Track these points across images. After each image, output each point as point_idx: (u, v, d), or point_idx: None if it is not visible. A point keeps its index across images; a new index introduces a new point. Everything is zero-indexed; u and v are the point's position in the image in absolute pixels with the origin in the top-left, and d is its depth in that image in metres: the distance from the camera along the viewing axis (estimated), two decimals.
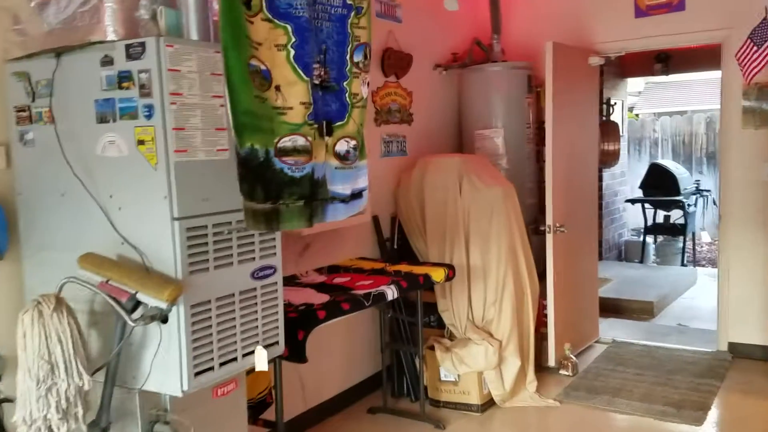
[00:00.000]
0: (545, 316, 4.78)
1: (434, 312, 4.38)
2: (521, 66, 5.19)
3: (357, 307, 3.12)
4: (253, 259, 2.50)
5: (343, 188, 2.52)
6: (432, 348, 4.22)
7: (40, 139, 2.50)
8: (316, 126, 2.34)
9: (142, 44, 2.20)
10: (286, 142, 2.23)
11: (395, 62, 4.63)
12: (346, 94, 2.47)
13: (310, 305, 3.04)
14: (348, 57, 2.48)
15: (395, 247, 4.58)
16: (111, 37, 2.26)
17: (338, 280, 3.55)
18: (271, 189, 2.22)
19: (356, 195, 2.61)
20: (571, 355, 4.79)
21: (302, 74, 2.25)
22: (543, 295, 4.70)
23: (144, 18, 2.33)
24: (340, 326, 4.16)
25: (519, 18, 5.52)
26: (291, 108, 2.24)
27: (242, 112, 2.12)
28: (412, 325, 4.09)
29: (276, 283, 2.61)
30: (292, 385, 3.75)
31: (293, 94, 2.24)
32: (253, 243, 2.49)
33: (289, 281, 3.55)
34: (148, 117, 2.22)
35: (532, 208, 5.25)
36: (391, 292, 3.32)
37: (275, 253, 2.60)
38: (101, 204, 2.36)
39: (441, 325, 4.41)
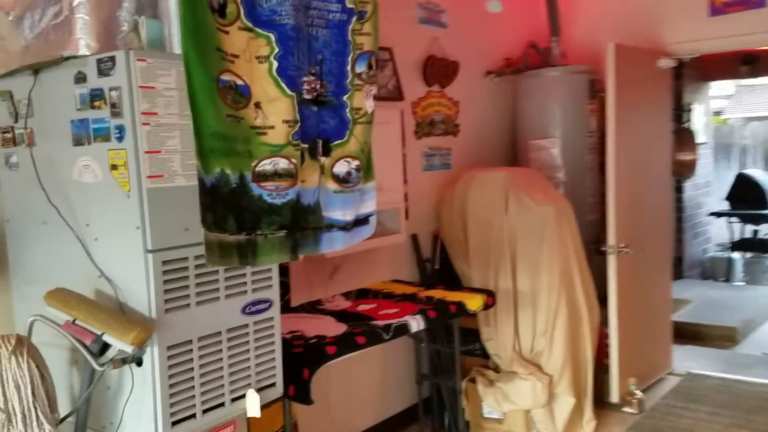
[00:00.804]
0: (607, 346, 4.34)
1: (479, 338, 4.03)
2: (582, 70, 4.77)
3: (374, 341, 2.83)
4: (245, 292, 2.25)
5: (344, 214, 2.24)
6: (474, 381, 3.87)
7: (23, 162, 2.34)
8: (304, 146, 2.07)
9: (112, 58, 1.99)
10: (266, 165, 1.97)
11: (439, 70, 4.32)
12: (347, 110, 2.20)
13: (323, 338, 2.77)
14: (349, 68, 2.20)
15: (436, 268, 4.26)
16: (83, 51, 2.06)
17: (362, 307, 3.27)
18: (246, 218, 1.96)
19: (361, 221, 2.33)
20: (637, 391, 4.33)
21: (286, 88, 1.99)
22: (605, 322, 4.27)
23: (123, 30, 2.13)
24: (376, 353, 3.88)
25: (580, 18, 5.09)
26: (272, 127, 1.97)
27: (209, 135, 1.87)
28: (451, 355, 3.75)
29: (272, 318, 2.35)
30: (319, 416, 3.49)
31: (275, 111, 1.98)
32: (244, 275, 2.24)
33: (312, 307, 3.29)
34: (120, 139, 2.01)
35: (594, 225, 4.80)
36: (415, 324, 3.01)
37: (271, 285, 2.34)
38: (78, 234, 2.17)
39: (487, 353, 4.05)
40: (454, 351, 3.61)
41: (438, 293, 3.48)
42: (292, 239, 2.07)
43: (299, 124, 2.03)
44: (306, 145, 2.08)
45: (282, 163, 1.99)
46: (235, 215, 1.94)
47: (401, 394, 4.09)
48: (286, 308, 3.34)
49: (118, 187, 2.04)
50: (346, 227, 2.25)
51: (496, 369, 3.98)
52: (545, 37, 4.92)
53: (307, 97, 2.09)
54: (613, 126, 4.24)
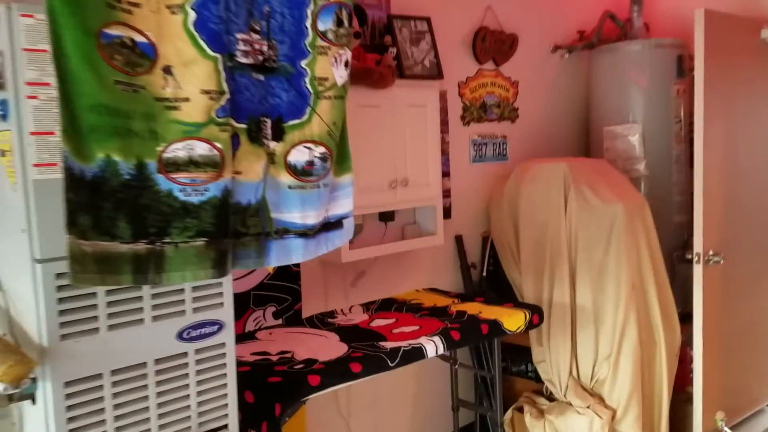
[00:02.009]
0: (691, 371, 3.60)
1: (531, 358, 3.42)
2: (669, 44, 4.01)
3: (373, 369, 2.30)
4: (182, 313, 1.78)
5: (304, 216, 1.73)
6: (521, 410, 3.27)
7: None
8: (239, 126, 1.57)
9: None
10: (178, 150, 1.48)
11: (493, 45, 3.71)
12: (306, 79, 1.68)
13: (312, 363, 2.27)
14: (308, 24, 1.68)
15: (484, 275, 3.67)
16: None
17: (378, 323, 2.74)
18: (148, 221, 1.48)
19: (331, 225, 1.81)
20: (726, 428, 3.57)
21: (206, 47, 1.49)
22: (690, 343, 3.54)
23: None
24: (408, 372, 3.35)
25: None
26: (186, 99, 1.48)
27: (87, 108, 1.40)
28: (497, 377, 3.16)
29: (223, 344, 1.87)
30: None
31: (191, 78, 1.48)
32: (181, 291, 1.77)
33: (321, 320, 2.80)
34: (4, 117, 1.58)
35: (682, 228, 4.05)
36: (432, 347, 2.45)
37: (222, 304, 1.86)
38: None
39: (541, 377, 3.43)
40: (495, 376, 3.01)
41: (473, 308, 2.90)
42: (215, 250, 1.57)
43: (227, 96, 1.53)
44: (243, 125, 1.58)
45: (200, 148, 1.49)
46: (130, 217, 1.46)
47: (436, 421, 3.53)
48: (293, 320, 2.87)
49: (6, 178, 1.61)
50: (307, 233, 1.74)
51: (550, 397, 3.36)
52: (625, 6, 4.19)
53: (246, 60, 1.58)
54: (701, 109, 3.47)
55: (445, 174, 3.54)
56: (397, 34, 3.12)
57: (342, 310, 2.95)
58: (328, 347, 2.44)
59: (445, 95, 3.52)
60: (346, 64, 1.73)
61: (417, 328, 2.64)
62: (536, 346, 3.36)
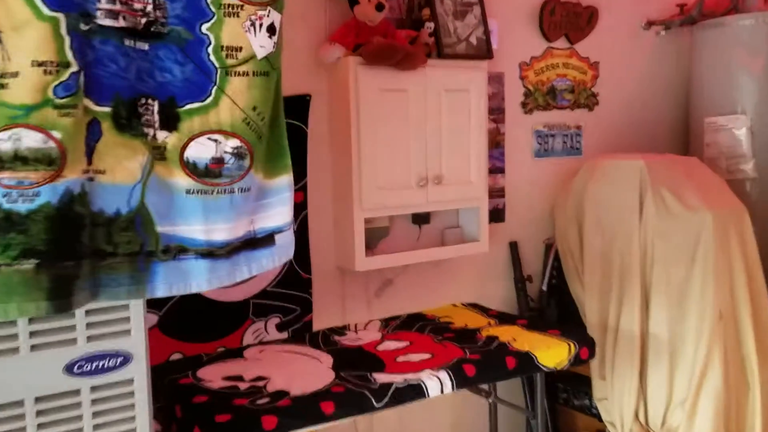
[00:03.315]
0: None
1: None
2: None
3: (350, 410, 1.89)
4: (72, 342, 1.45)
5: (207, 231, 1.34)
6: None
7: None
8: (99, 110, 1.20)
9: None
10: (2, 142, 1.13)
11: (565, 19, 3.16)
12: (209, 49, 1.29)
13: (283, 395, 1.89)
14: None
15: (544, 289, 3.14)
16: None
17: (386, 345, 2.32)
18: None
19: (258, 242, 1.41)
20: None
21: (42, 5, 1.13)
22: None
23: None
24: (446, 401, 2.91)
25: None
26: (15, 74, 1.13)
27: None
28: (544, 414, 2.66)
29: (130, 380, 1.52)
30: None
31: (22, 45, 1.13)
32: (71, 315, 1.44)
33: (327, 337, 2.42)
34: None
35: None
36: (435, 385, 2.01)
37: (129, 331, 1.51)
38: None
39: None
40: (537, 419, 2.51)
41: (509, 333, 2.41)
42: (51, 275, 1.19)
43: (74, 69, 1.16)
44: (105, 109, 1.21)
45: (29, 139, 1.14)
46: None
47: None
48: (301, 334, 2.52)
49: None
50: (215, 252, 1.35)
51: None
52: None
53: (112, 23, 1.20)
54: None
55: (499, 170, 3.05)
56: (437, 6, 2.66)
57: (356, 326, 2.55)
58: (313, 375, 2.05)
59: (501, 78, 3.02)
60: (272, 30, 1.32)
61: (428, 356, 2.19)
62: (597, 380, 2.81)
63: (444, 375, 2.05)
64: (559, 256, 3.10)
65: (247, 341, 2.48)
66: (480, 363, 2.14)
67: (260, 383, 2.00)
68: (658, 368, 2.66)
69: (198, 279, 1.35)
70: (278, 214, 1.43)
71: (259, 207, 1.40)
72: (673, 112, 3.59)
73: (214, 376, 2.06)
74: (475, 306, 2.80)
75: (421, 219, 2.79)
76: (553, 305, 3.14)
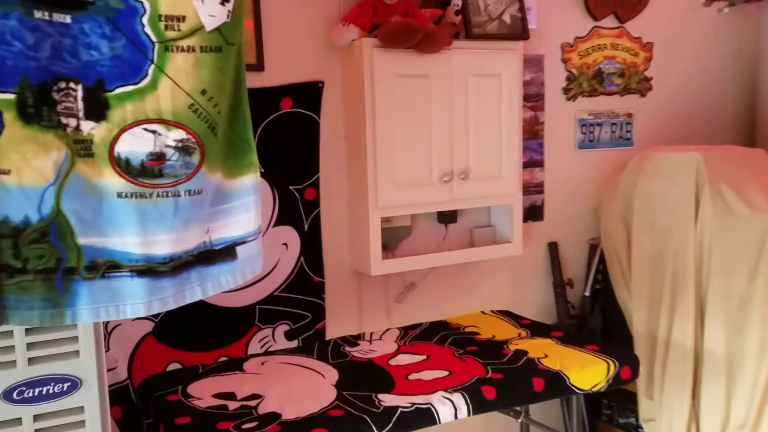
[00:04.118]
0: None
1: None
2: None
3: None
4: (11, 364, 1.27)
5: (146, 243, 1.12)
6: None
7: None
8: None
9: None
10: None
11: None
12: (142, 19, 1.07)
13: (272, 420, 1.69)
14: None
15: (587, 294, 2.85)
16: None
17: (399, 359, 2.08)
18: None
19: (216, 255, 1.20)
20: None
21: None
22: None
23: None
24: (476, 422, 2.66)
25: None
26: None
27: None
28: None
29: (81, 408, 1.34)
30: None
31: None
32: (9, 333, 1.26)
33: (338, 348, 2.20)
34: None
35: None
36: (448, 410, 1.77)
37: (77, 353, 1.32)
38: None
39: None
40: None
41: (540, 347, 2.15)
42: None
43: None
44: (8, 96, 1.01)
45: None
46: None
47: None
48: (311, 342, 2.31)
49: None
50: (156, 269, 1.13)
51: None
52: None
53: None
54: None
55: (537, 163, 2.77)
56: None
57: (371, 336, 2.32)
58: (312, 394, 1.84)
59: (540, 61, 2.73)
60: None
61: (444, 374, 1.95)
62: (644, 399, 2.51)
63: (459, 398, 1.80)
64: (605, 259, 2.81)
65: (252, 350, 2.29)
66: (502, 384, 1.89)
67: (252, 402, 1.79)
68: (714, 389, 2.35)
69: (134, 301, 1.14)
70: (241, 222, 1.21)
71: (216, 213, 1.18)
72: (737, 98, 3.22)
73: (205, 392, 1.87)
74: (506, 314, 2.53)
75: (447, 218, 2.54)
76: (597, 313, 2.85)
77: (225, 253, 1.20)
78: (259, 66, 2.20)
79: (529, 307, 2.76)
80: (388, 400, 1.79)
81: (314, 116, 2.31)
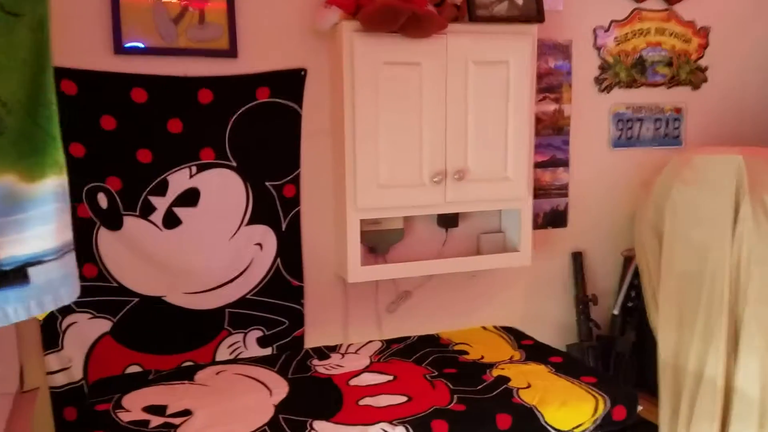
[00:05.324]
0: None
1: None
2: None
3: None
4: None
5: None
6: None
7: None
8: None
9: None
10: None
11: None
12: None
13: None
14: None
15: (615, 313, 2.51)
16: None
17: (360, 379, 1.87)
18: None
19: (2, 277, 1.00)
20: None
21: None
22: None
23: None
24: None
25: None
26: None
27: None
28: None
29: None
30: None
31: None
32: None
33: (302, 361, 2.01)
34: None
35: None
36: None
37: None
38: None
39: None
40: None
41: (530, 374, 1.88)
42: None
43: None
44: None
45: None
46: None
47: None
48: (285, 350, 2.15)
49: None
50: None
51: None
52: None
53: None
54: None
55: (561, 162, 2.47)
56: None
57: (348, 348, 2.12)
58: (247, 415, 1.66)
59: (568, 48, 2.43)
60: None
61: (402, 400, 1.73)
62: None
63: None
64: (639, 274, 2.47)
65: (221, 356, 2.15)
66: (460, 418, 1.64)
67: (177, 420, 1.64)
68: (745, 430, 1.99)
69: None
70: (37, 237, 0.99)
71: (6, 225, 0.99)
72: None
73: (137, 403, 1.74)
74: (509, 331, 2.26)
75: (447, 221, 2.30)
76: (628, 335, 2.51)
77: (13, 276, 1.00)
78: (231, 51, 2.03)
79: (544, 324, 2.47)
80: (321, 429, 1.59)
81: (295, 107, 2.13)
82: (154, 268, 2.03)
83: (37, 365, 1.97)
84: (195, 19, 1.99)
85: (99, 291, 1.99)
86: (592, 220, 2.53)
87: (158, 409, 1.70)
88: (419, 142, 2.08)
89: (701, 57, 2.60)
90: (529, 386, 1.80)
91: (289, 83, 2.12)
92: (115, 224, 1.99)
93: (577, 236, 2.52)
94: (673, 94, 2.58)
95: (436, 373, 1.90)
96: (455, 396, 1.75)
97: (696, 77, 2.61)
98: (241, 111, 2.06)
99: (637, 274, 2.49)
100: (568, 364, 1.97)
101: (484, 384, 1.83)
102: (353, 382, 1.86)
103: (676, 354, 2.19)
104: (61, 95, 1.87)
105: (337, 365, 1.99)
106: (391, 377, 1.89)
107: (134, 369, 2.06)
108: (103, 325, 2.02)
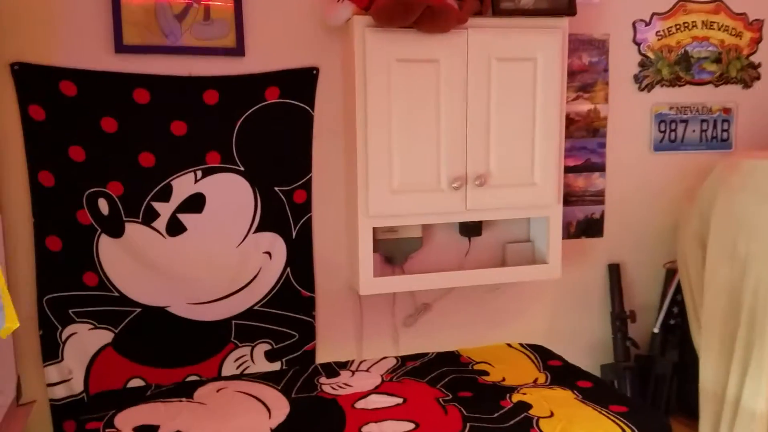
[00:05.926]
0: None
1: None
2: None
3: None
4: None
5: None
6: None
7: None
8: None
9: None
10: None
11: None
12: None
13: None
14: None
15: (656, 331, 2.32)
16: None
17: (372, 400, 1.73)
18: None
19: None
20: None
21: None
22: None
23: None
24: None
25: None
26: None
27: None
28: None
29: None
30: None
31: None
32: None
33: (309, 379, 1.89)
34: None
35: None
36: None
37: None
38: None
39: None
40: None
41: (553, 400, 1.71)
42: None
43: None
44: None
45: None
46: None
47: None
48: (294, 365, 2.04)
49: None
50: None
51: None
52: None
53: None
54: None
55: (597, 167, 2.29)
56: None
57: (359, 365, 1.99)
58: None
59: (604, 43, 2.25)
60: None
61: (410, 427, 1.59)
62: None
63: None
64: (682, 288, 2.27)
65: (227, 370, 2.04)
66: None
67: None
68: None
69: None
70: None
71: None
72: None
73: (129, 423, 1.64)
74: (536, 349, 2.09)
75: (470, 230, 2.15)
76: (670, 355, 2.31)
77: None
78: (238, 50, 1.93)
79: (575, 343, 2.29)
80: None
81: (307, 108, 2.01)
82: (158, 277, 1.94)
83: (36, 377, 1.90)
84: (200, 15, 1.90)
85: (100, 300, 1.91)
86: (630, 229, 2.34)
87: (149, 430, 1.60)
88: (437, 145, 1.93)
89: (754, 52, 2.38)
90: (551, 415, 1.64)
91: (300, 83, 2.00)
92: (116, 231, 1.90)
93: (613, 247, 2.33)
94: (721, 93, 2.37)
95: (450, 397, 1.76)
96: (468, 424, 1.60)
97: (747, 75, 2.39)
98: (248, 112, 1.96)
99: (679, 289, 2.29)
100: (597, 390, 1.79)
101: (502, 411, 1.67)
102: (359, 404, 1.73)
103: (716, 379, 1.98)
104: (61, 96, 1.82)
105: (345, 384, 1.86)
106: (400, 400, 1.75)
107: (136, 382, 1.97)
108: (105, 337, 1.93)
